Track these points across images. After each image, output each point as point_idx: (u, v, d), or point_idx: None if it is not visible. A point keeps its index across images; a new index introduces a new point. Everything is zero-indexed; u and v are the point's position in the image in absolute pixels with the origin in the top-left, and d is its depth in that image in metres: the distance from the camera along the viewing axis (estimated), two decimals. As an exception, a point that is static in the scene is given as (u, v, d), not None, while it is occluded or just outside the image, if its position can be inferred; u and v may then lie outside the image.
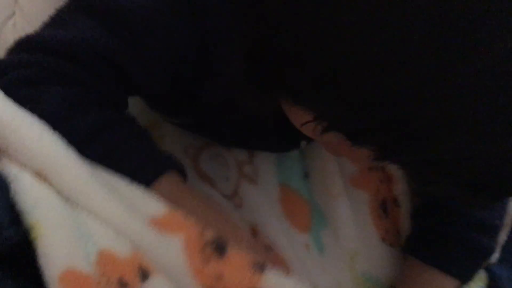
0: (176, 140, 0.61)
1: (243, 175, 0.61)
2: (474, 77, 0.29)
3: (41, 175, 0.38)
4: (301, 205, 0.61)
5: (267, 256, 0.52)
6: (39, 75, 0.41)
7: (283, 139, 0.56)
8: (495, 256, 0.53)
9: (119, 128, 0.42)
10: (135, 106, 0.57)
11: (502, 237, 0.53)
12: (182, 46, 0.44)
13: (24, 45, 0.42)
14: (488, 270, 0.54)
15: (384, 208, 0.61)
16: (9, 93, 0.40)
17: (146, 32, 0.42)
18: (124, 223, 0.39)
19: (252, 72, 0.38)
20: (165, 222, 0.40)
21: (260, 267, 0.40)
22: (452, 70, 0.29)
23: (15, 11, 0.63)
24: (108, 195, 0.39)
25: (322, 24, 0.31)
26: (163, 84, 0.47)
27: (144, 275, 0.38)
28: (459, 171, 0.33)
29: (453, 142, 0.31)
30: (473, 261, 0.53)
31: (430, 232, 0.55)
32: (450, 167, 0.33)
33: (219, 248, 0.39)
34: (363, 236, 0.60)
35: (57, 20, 0.43)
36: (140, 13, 0.41)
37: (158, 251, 0.39)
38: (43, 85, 0.41)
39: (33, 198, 0.36)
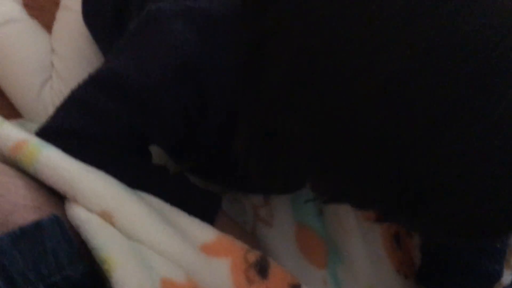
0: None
1: (259, 218, 0.63)
2: (481, 138, 0.30)
3: (105, 216, 0.44)
4: (317, 242, 0.63)
5: None
6: (80, 151, 0.47)
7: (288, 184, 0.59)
8: (507, 279, 0.56)
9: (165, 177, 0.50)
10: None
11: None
12: (187, 105, 0.48)
13: (62, 134, 0.48)
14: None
15: (397, 240, 0.63)
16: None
17: (157, 101, 0.47)
18: (179, 251, 0.44)
19: (259, 153, 0.42)
20: (215, 248, 0.45)
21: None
22: (462, 132, 0.30)
23: (52, 75, 0.70)
24: (165, 228, 0.45)
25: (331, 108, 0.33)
26: (175, 135, 0.51)
27: None
28: (470, 226, 0.34)
29: (465, 201, 0.32)
30: (481, 287, 0.55)
31: (438, 261, 0.57)
32: (461, 224, 0.34)
33: (261, 270, 0.45)
34: (378, 269, 0.62)
35: (80, 104, 0.48)
36: (150, 86, 0.46)
37: (208, 275, 0.44)
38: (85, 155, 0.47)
39: (104, 237, 0.42)
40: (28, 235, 0.38)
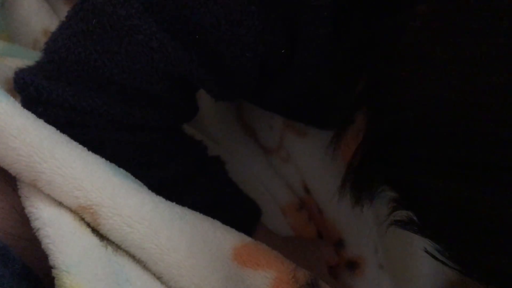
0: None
1: (287, 125, 0.52)
2: None
3: (85, 213, 0.30)
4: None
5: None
6: (93, 121, 0.32)
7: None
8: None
9: (205, 178, 0.39)
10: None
11: None
12: (270, 44, 0.34)
13: (70, 72, 0.33)
14: None
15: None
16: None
17: (234, 34, 0.33)
18: (200, 261, 0.32)
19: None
20: (252, 256, 0.33)
21: None
22: None
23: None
24: (181, 227, 0.32)
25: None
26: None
27: None
28: None
29: None
30: None
31: None
32: None
33: None
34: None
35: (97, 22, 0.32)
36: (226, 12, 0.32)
37: None
38: (103, 131, 0.33)
39: (74, 251, 0.28)
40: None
